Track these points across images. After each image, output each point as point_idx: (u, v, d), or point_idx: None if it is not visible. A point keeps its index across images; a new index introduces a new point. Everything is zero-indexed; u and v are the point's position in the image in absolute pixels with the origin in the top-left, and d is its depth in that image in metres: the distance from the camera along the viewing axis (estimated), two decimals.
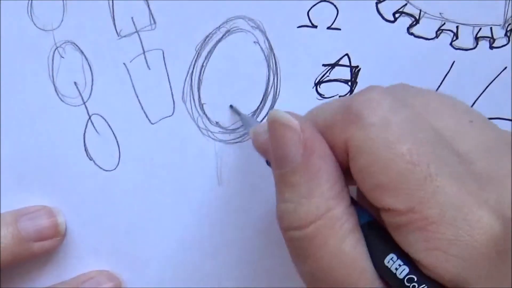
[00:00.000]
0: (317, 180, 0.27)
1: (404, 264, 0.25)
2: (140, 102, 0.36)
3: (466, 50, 0.36)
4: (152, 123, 0.36)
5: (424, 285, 0.25)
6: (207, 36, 0.35)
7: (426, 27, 0.35)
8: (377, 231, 0.27)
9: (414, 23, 0.35)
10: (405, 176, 0.25)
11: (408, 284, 0.25)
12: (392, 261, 0.26)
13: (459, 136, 0.27)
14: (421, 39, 0.35)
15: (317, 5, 0.35)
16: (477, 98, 0.36)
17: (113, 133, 0.36)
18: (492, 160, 0.26)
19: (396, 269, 0.25)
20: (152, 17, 0.35)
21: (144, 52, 0.36)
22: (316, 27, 0.35)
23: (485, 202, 0.24)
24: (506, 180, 0.25)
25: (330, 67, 0.36)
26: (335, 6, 0.35)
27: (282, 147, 0.28)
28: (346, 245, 0.26)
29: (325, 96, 0.36)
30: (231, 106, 0.36)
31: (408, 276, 0.25)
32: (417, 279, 0.25)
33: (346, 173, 0.28)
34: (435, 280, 0.24)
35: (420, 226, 0.24)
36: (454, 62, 0.36)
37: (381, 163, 0.25)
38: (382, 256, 0.26)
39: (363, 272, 0.26)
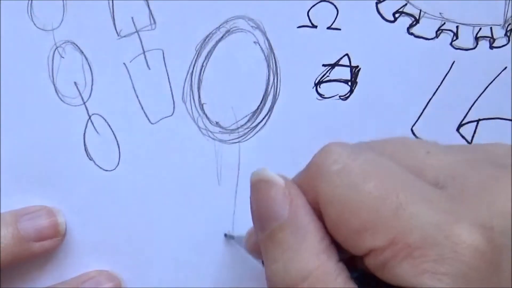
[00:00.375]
0: (305, 235, 0.27)
1: None
2: (140, 102, 0.36)
3: (466, 50, 0.36)
4: (152, 123, 0.36)
5: None
6: (207, 36, 0.35)
7: (426, 27, 0.35)
8: (369, 283, 0.27)
9: (414, 23, 0.35)
10: (377, 213, 0.25)
11: None
12: None
13: (421, 169, 0.27)
14: (421, 39, 0.35)
15: (317, 5, 0.35)
16: (477, 98, 0.36)
17: (113, 133, 0.36)
18: (460, 179, 0.26)
19: None
20: (152, 17, 0.35)
21: (144, 52, 0.36)
22: (316, 27, 0.35)
23: (462, 218, 0.24)
24: (479, 195, 0.25)
25: (330, 67, 0.36)
26: (335, 6, 0.35)
27: (267, 205, 0.27)
28: None
29: (325, 96, 0.36)
30: (225, 235, 0.36)
31: None
32: None
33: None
34: None
35: (404, 255, 0.24)
36: (454, 62, 0.36)
37: (351, 207, 0.25)
38: None
39: None
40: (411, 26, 0.35)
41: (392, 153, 0.28)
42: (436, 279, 0.24)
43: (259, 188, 0.28)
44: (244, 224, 0.36)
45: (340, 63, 0.36)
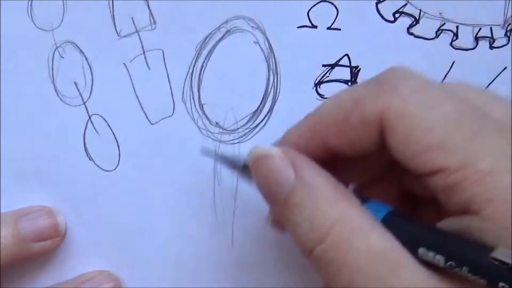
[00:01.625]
0: (318, 190, 0.27)
1: (437, 254, 0.25)
2: (140, 102, 0.36)
3: (466, 50, 0.36)
4: (152, 123, 0.36)
5: (464, 266, 0.24)
6: (207, 36, 0.35)
7: (426, 27, 0.35)
8: (398, 223, 0.27)
9: (414, 23, 0.35)
10: (452, 133, 0.25)
11: (450, 269, 0.25)
12: (425, 253, 0.25)
13: (488, 107, 0.27)
14: (421, 39, 0.35)
15: (317, 5, 0.35)
16: None
17: (113, 133, 0.36)
18: None
19: (432, 260, 0.25)
20: (152, 17, 0.35)
21: (144, 52, 0.36)
22: (316, 27, 0.35)
23: None
24: None
25: (330, 67, 0.36)
26: (335, 6, 0.35)
27: (272, 176, 0.28)
28: (373, 240, 0.26)
29: (325, 96, 0.36)
30: (201, 149, 0.35)
31: (448, 263, 0.25)
32: (456, 263, 0.25)
33: (369, 155, 0.28)
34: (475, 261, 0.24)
35: (475, 180, 0.24)
36: (454, 62, 0.36)
37: (425, 125, 0.25)
38: (413, 250, 0.26)
39: (400, 260, 0.25)
40: (411, 26, 0.35)
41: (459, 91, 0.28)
42: (505, 206, 0.24)
43: (259, 165, 0.28)
44: (244, 224, 0.37)
45: (340, 63, 0.36)
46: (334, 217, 0.26)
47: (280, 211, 0.28)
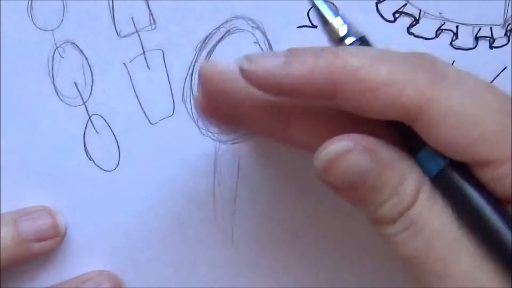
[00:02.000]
0: (395, 164, 0.27)
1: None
2: (140, 102, 0.36)
3: (466, 50, 0.36)
4: (152, 123, 0.36)
5: None
6: (207, 36, 0.35)
7: (426, 27, 0.35)
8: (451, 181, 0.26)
9: (414, 23, 0.35)
10: (501, 126, 0.25)
11: None
12: None
13: None
14: (421, 39, 0.35)
15: None
16: None
17: (113, 133, 0.36)
18: None
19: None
20: (152, 17, 0.35)
21: (144, 52, 0.36)
22: (316, 27, 0.35)
23: None
24: None
25: None
26: (335, 6, 0.35)
27: (354, 171, 0.27)
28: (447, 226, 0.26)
29: None
30: None
31: None
32: None
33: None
34: None
35: None
36: (454, 62, 0.36)
37: (473, 118, 0.25)
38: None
39: (463, 246, 0.26)
40: (411, 26, 0.35)
41: None
42: None
43: (333, 167, 0.27)
44: (244, 224, 0.36)
45: None
46: (415, 186, 0.26)
47: (362, 194, 0.27)
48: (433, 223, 0.26)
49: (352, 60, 0.26)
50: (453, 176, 0.26)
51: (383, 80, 0.26)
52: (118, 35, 0.35)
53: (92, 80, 0.36)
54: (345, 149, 0.26)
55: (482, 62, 0.36)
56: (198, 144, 0.36)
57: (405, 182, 0.27)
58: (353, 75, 0.26)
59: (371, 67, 0.26)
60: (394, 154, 0.27)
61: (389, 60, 0.26)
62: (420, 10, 0.35)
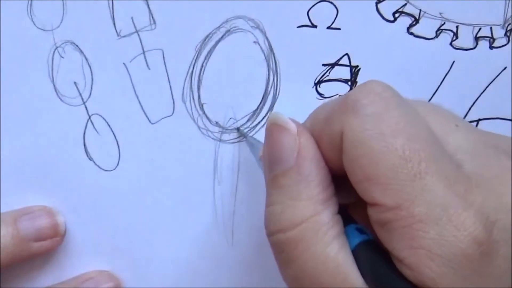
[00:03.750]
0: (307, 183, 0.27)
1: None
2: (140, 102, 0.36)
3: (466, 50, 0.36)
4: (152, 123, 0.36)
5: None
6: (207, 36, 0.35)
7: (426, 27, 0.35)
8: (366, 253, 0.27)
9: (414, 23, 0.35)
10: (395, 172, 0.25)
11: None
12: None
13: (446, 138, 0.27)
14: (421, 39, 0.35)
15: (317, 5, 0.35)
16: (477, 98, 0.36)
17: (113, 133, 0.36)
18: (478, 162, 0.26)
19: None
20: (152, 17, 0.35)
21: (144, 52, 0.36)
22: (316, 27, 0.35)
23: (470, 205, 0.24)
24: (492, 183, 0.25)
25: (330, 66, 0.36)
26: (335, 6, 0.35)
27: (277, 149, 0.28)
28: (331, 250, 0.26)
29: (325, 95, 0.36)
30: (238, 129, 0.36)
31: None
32: None
33: (338, 174, 0.28)
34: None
35: (405, 224, 0.24)
36: (454, 62, 0.36)
37: (373, 155, 0.25)
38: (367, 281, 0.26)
39: (347, 277, 0.26)
40: (411, 26, 0.35)
41: (424, 114, 0.27)
42: (429, 258, 0.24)
43: (272, 131, 0.28)
44: (244, 224, 0.36)
45: (340, 62, 0.36)
46: (307, 215, 0.27)
47: (268, 181, 0.28)
48: (316, 249, 0.26)
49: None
50: (365, 254, 0.26)
51: (322, 122, 0.28)
52: (118, 35, 0.35)
53: (92, 80, 0.36)
54: (288, 127, 0.28)
55: (482, 62, 0.36)
56: (198, 144, 0.36)
57: (300, 202, 0.27)
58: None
59: (318, 115, 0.29)
60: (318, 182, 0.27)
61: (326, 104, 0.29)
62: (420, 10, 0.35)
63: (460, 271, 0.24)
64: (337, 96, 0.36)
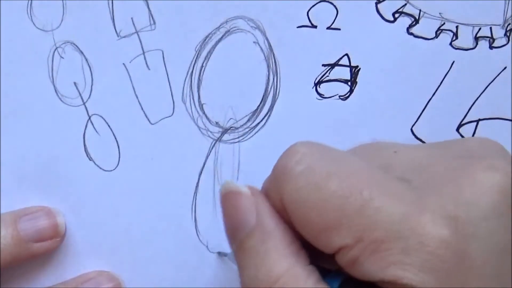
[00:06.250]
0: (273, 240, 0.27)
1: None
2: (140, 102, 0.36)
3: (466, 50, 0.36)
4: (152, 123, 0.36)
5: None
6: (206, 36, 0.35)
7: (425, 27, 0.35)
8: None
9: (414, 23, 0.35)
10: (341, 211, 0.25)
11: None
12: None
13: (388, 166, 0.27)
14: (421, 39, 0.35)
15: (317, 5, 0.35)
16: (477, 98, 0.36)
17: (113, 133, 0.36)
18: (425, 174, 0.26)
19: None
20: (152, 18, 0.35)
21: (143, 53, 0.36)
22: (316, 27, 0.35)
23: (427, 209, 0.24)
24: (444, 185, 0.25)
25: (329, 67, 0.36)
26: (334, 6, 0.35)
27: (236, 214, 0.28)
28: None
29: (325, 96, 0.36)
30: (218, 253, 0.37)
31: None
32: None
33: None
34: None
35: (371, 251, 0.24)
36: (454, 62, 0.36)
37: (316, 207, 0.25)
38: None
39: None
40: (410, 26, 0.35)
41: (361, 154, 0.28)
42: (401, 269, 0.24)
43: (228, 199, 0.28)
44: None
45: (340, 63, 0.36)
46: (281, 271, 0.26)
47: (235, 250, 0.28)
48: None
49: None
50: None
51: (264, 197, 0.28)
52: (118, 36, 0.35)
53: (92, 80, 0.36)
54: (240, 191, 0.28)
55: (482, 62, 0.36)
56: (198, 144, 0.36)
57: (271, 260, 0.27)
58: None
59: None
60: (283, 237, 0.27)
61: (264, 181, 0.29)
62: (420, 10, 0.35)
63: (437, 274, 0.24)
64: (336, 97, 0.36)
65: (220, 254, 0.37)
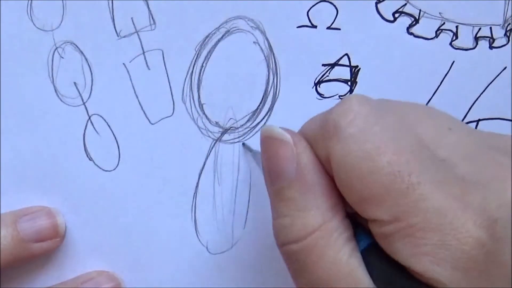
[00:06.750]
0: (312, 193, 0.27)
1: None
2: (140, 102, 0.36)
3: (466, 50, 0.36)
4: (152, 123, 0.36)
5: None
6: (207, 36, 0.35)
7: (425, 27, 0.35)
8: (374, 256, 0.27)
9: (414, 23, 0.35)
10: (386, 188, 0.25)
11: None
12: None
13: (439, 142, 0.27)
14: (420, 39, 0.35)
15: (317, 5, 0.35)
16: (477, 98, 0.36)
17: (113, 133, 0.36)
18: (473, 163, 0.26)
19: None
20: (152, 17, 0.35)
21: (143, 53, 0.36)
22: (316, 27, 0.35)
23: (469, 206, 0.24)
24: (489, 182, 0.25)
25: (329, 67, 0.36)
26: (334, 6, 0.35)
27: (276, 163, 0.28)
28: (343, 256, 0.26)
29: (325, 96, 0.36)
30: (243, 144, 0.36)
31: None
32: None
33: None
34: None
35: (406, 234, 0.25)
36: (454, 62, 0.36)
37: (362, 177, 0.25)
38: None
39: (360, 281, 0.26)
40: (410, 26, 0.35)
41: (414, 120, 0.27)
42: (434, 263, 0.24)
43: (268, 145, 0.28)
44: (244, 224, 0.36)
45: (340, 63, 0.36)
46: (317, 224, 0.27)
47: (272, 194, 0.28)
48: (329, 255, 0.26)
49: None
50: (374, 256, 0.27)
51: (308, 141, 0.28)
52: (117, 35, 0.35)
53: (92, 80, 0.36)
54: (283, 139, 0.28)
55: (482, 62, 0.36)
56: (198, 144, 0.36)
57: (308, 213, 0.27)
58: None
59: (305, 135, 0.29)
60: (323, 191, 0.27)
61: (310, 122, 0.29)
62: (420, 10, 0.35)
63: (467, 273, 0.24)
64: (336, 96, 0.36)
65: (245, 146, 0.36)
